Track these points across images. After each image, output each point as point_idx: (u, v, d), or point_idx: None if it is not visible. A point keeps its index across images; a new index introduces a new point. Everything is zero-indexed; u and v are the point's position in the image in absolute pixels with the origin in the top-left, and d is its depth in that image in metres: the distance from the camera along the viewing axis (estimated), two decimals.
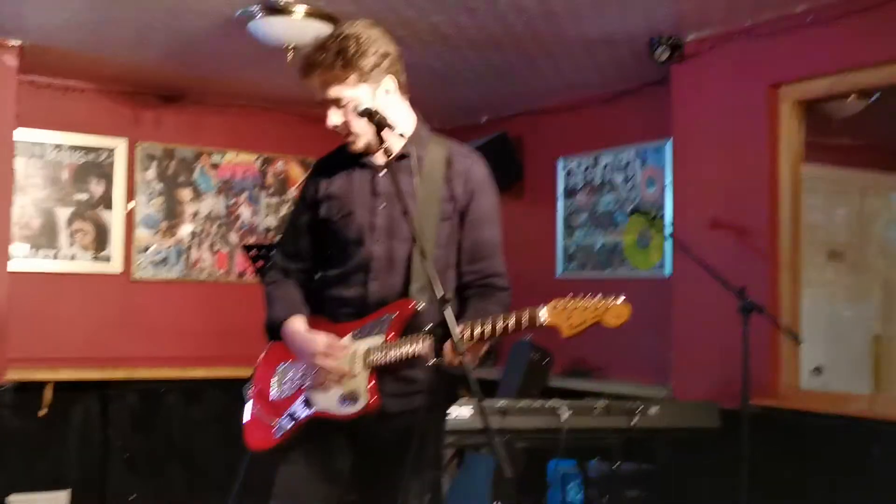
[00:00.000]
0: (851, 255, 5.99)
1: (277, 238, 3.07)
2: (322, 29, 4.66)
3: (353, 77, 2.67)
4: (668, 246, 5.56)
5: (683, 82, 5.19)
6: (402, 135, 2.61)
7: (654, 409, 4.34)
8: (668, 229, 4.80)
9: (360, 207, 2.78)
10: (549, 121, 6.61)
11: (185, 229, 6.67)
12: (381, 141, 2.62)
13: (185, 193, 6.68)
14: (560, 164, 6.54)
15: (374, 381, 2.68)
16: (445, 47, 5.27)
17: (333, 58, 2.66)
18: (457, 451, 5.39)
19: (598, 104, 6.21)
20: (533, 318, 2.48)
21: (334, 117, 2.73)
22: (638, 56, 5.28)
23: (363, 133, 2.71)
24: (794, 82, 4.74)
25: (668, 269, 5.59)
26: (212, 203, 6.76)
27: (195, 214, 6.70)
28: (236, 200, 6.84)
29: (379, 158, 2.71)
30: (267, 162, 6.97)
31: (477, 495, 4.86)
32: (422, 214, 2.70)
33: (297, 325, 2.79)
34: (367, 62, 2.67)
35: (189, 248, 6.67)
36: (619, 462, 4.44)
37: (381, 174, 2.76)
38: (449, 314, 2.37)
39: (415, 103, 2.87)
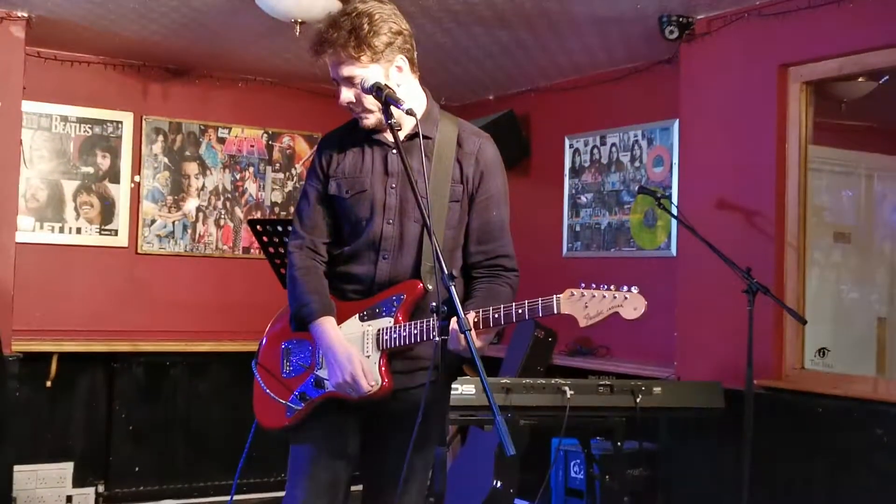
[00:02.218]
0: (858, 237, 5.97)
1: (295, 211, 3.03)
2: (330, 4, 4.64)
3: (365, 56, 2.65)
4: (675, 226, 5.55)
5: (692, 62, 5.17)
6: (409, 112, 2.58)
7: (657, 389, 4.34)
8: (675, 209, 4.79)
9: (373, 186, 2.76)
10: (557, 99, 6.58)
11: (191, 203, 6.67)
12: (389, 117, 2.60)
13: (192, 167, 6.67)
14: (567, 143, 6.52)
15: (385, 364, 2.69)
16: (454, 23, 5.25)
17: (346, 36, 2.64)
18: (460, 427, 5.41)
19: (606, 83, 6.18)
20: (549, 308, 2.48)
21: (346, 94, 2.71)
22: (646, 35, 5.26)
23: (375, 110, 2.68)
24: (804, 63, 4.71)
25: (673, 248, 5.58)
26: (218, 177, 6.76)
27: (201, 189, 6.70)
28: (242, 175, 6.84)
29: (391, 136, 2.68)
30: (273, 137, 6.95)
31: (480, 472, 4.87)
32: (433, 195, 2.69)
33: (331, 329, 2.73)
34: (380, 41, 2.65)
35: (195, 222, 6.68)
36: (621, 441, 4.44)
37: (393, 152, 2.75)
38: (454, 293, 2.37)
39: (422, 80, 2.85)
